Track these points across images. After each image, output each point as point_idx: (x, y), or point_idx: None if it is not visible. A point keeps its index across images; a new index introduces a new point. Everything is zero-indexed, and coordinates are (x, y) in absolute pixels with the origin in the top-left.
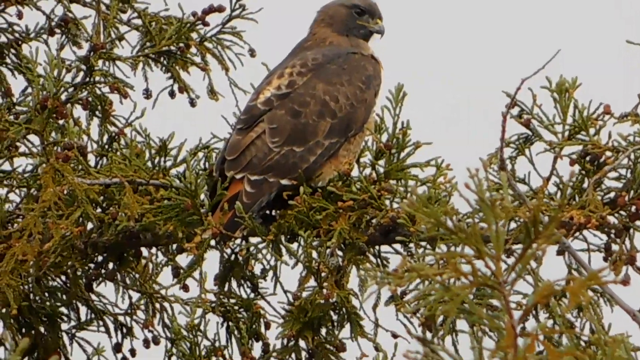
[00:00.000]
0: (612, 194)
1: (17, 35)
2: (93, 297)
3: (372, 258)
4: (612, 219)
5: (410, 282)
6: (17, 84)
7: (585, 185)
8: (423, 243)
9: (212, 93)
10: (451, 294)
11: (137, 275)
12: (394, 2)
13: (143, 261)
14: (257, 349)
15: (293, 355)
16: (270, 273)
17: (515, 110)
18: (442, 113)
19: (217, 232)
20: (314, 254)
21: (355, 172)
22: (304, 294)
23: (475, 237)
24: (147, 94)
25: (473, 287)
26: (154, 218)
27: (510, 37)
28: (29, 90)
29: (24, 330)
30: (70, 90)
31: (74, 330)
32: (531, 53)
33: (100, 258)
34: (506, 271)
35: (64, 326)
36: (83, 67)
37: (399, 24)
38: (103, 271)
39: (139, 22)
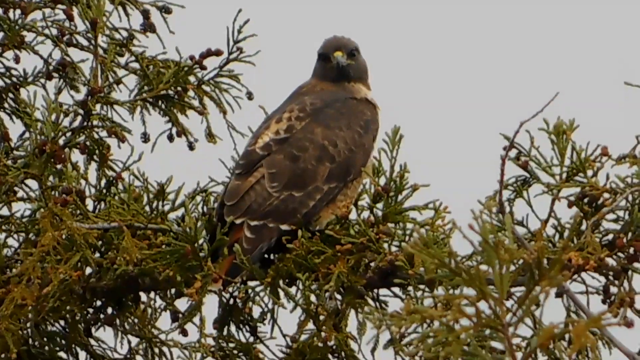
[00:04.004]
0: (610, 236)
1: (14, 79)
2: (92, 342)
3: (370, 301)
4: (610, 261)
5: (412, 324)
6: (15, 128)
7: (583, 227)
8: (421, 286)
9: (210, 136)
10: (455, 334)
11: (136, 320)
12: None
13: (142, 306)
14: None
15: None
16: (269, 316)
17: (512, 153)
18: (439, 154)
19: (217, 278)
20: (313, 297)
21: (353, 215)
22: (303, 337)
23: (479, 279)
24: (145, 138)
25: (476, 329)
26: (153, 264)
27: (507, 78)
28: (27, 134)
29: None
30: (68, 134)
31: None
32: (528, 95)
33: (99, 303)
34: (508, 313)
35: None
36: (81, 111)
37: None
38: (102, 316)
39: (136, 65)
